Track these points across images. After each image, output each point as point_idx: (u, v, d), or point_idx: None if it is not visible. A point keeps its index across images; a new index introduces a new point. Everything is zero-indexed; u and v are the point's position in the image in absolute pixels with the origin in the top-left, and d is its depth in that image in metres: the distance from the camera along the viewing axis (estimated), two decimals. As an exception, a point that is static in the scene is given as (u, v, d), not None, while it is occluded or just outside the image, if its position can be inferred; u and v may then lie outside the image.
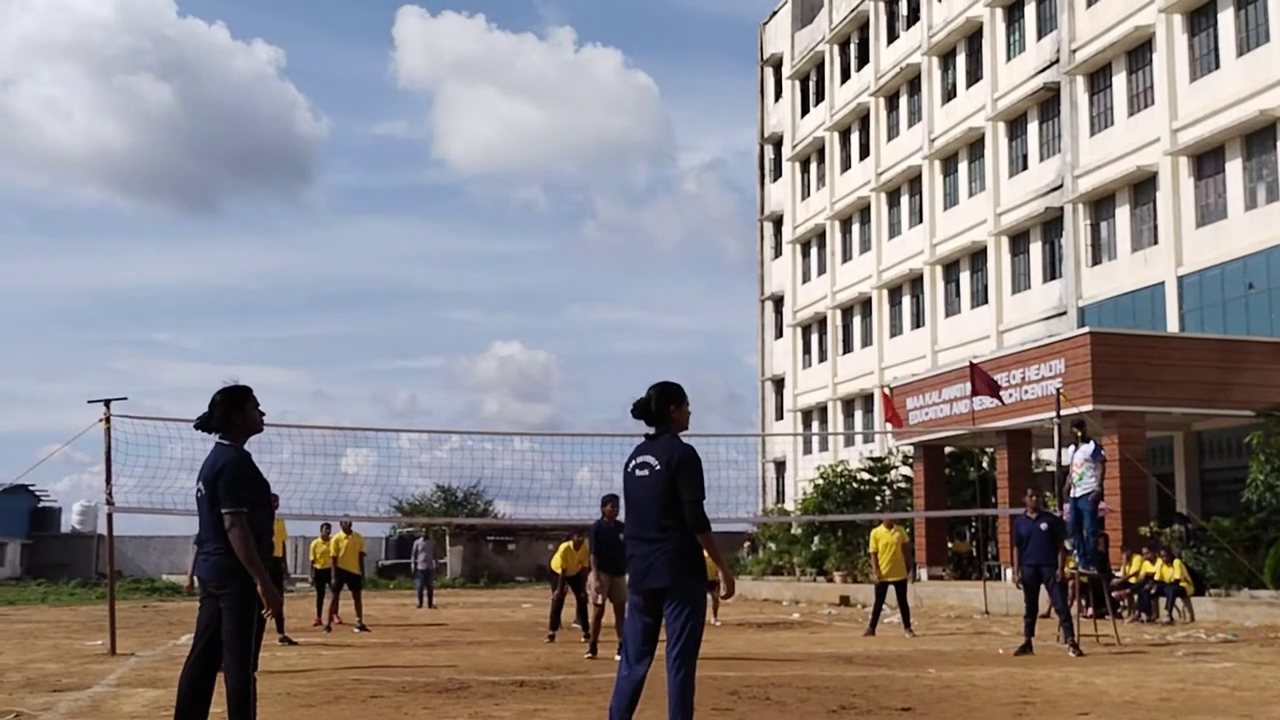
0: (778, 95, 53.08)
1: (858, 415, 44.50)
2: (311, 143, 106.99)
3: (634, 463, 6.45)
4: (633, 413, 6.51)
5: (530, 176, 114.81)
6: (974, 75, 37.91)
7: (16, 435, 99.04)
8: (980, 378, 21.58)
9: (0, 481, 23.36)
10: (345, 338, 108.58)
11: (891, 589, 17.44)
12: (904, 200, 42.01)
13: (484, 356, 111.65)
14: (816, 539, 34.41)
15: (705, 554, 6.37)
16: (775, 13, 53.35)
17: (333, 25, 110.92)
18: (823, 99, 48.25)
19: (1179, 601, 18.71)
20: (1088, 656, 13.19)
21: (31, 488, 53.81)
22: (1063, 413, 17.00)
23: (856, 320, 45.04)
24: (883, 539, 17.57)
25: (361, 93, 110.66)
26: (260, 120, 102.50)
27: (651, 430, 6.49)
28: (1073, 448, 18.17)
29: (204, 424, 6.47)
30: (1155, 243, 29.90)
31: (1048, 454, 27.33)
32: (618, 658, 6.46)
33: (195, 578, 6.56)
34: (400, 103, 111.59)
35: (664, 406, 6.45)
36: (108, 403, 14.20)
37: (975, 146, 37.71)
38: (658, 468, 6.31)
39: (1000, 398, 22.03)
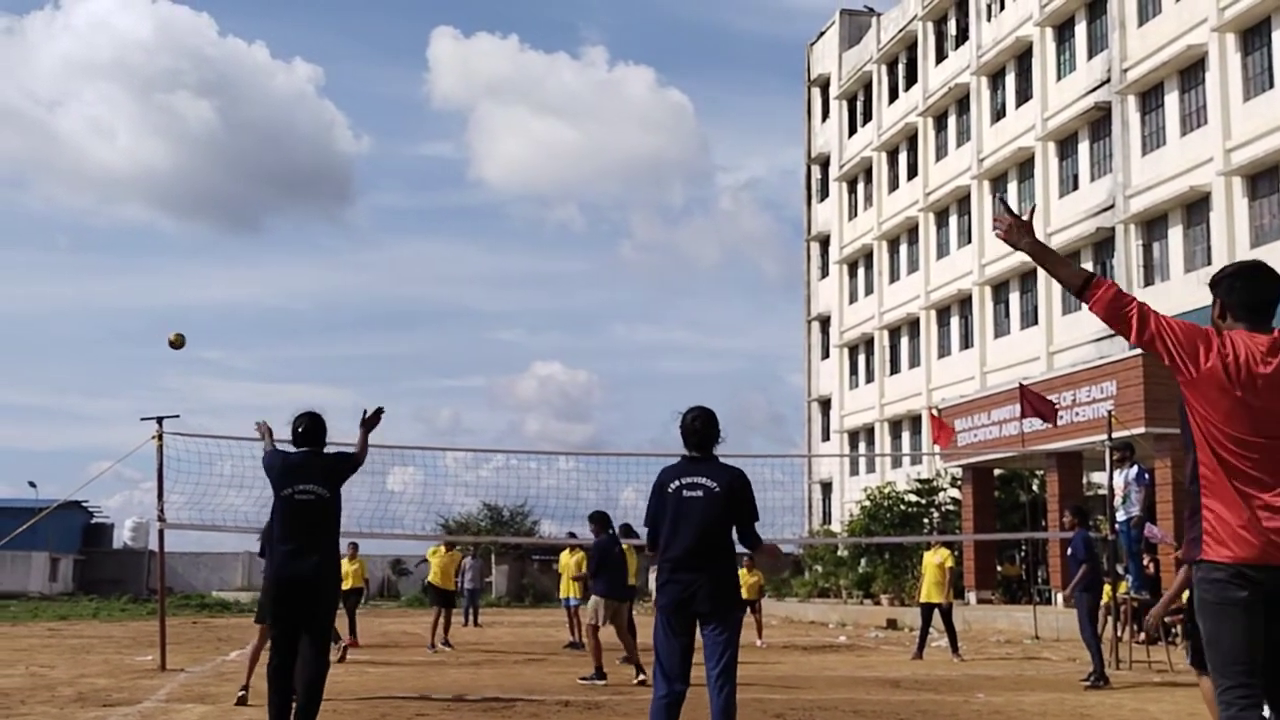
0: (825, 115, 53.03)
1: (905, 437, 44.20)
2: (352, 161, 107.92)
3: (680, 483, 6.40)
4: (687, 438, 6.55)
5: (566, 196, 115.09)
6: (1024, 95, 37.67)
7: (68, 451, 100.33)
8: (1032, 399, 21.35)
9: (54, 498, 23.71)
10: (389, 357, 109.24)
11: (936, 612, 17.29)
12: (952, 220, 41.77)
13: (525, 376, 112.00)
14: (863, 561, 34.17)
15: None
16: (823, 33, 53.36)
17: (370, 45, 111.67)
18: (870, 119, 48.13)
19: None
20: (1141, 683, 12.97)
21: (84, 504, 54.59)
22: (1114, 435, 16.80)
23: (904, 341, 44.77)
24: (924, 560, 17.52)
25: (400, 113, 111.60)
26: (301, 139, 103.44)
27: (689, 453, 6.54)
28: (1120, 471, 17.94)
29: (311, 439, 7.60)
30: (1209, 263, 29.49)
31: (1099, 477, 26.99)
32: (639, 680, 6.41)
33: (289, 581, 7.25)
34: (437, 123, 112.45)
35: (715, 431, 6.54)
36: (160, 420, 14.36)
37: (1025, 166, 37.44)
38: (716, 490, 6.33)
39: (1054, 420, 21.79)
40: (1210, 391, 4.06)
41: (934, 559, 17.23)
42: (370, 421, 7.94)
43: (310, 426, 7.59)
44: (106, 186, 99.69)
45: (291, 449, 7.65)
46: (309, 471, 7.35)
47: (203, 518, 15.60)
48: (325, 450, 7.61)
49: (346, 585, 19.95)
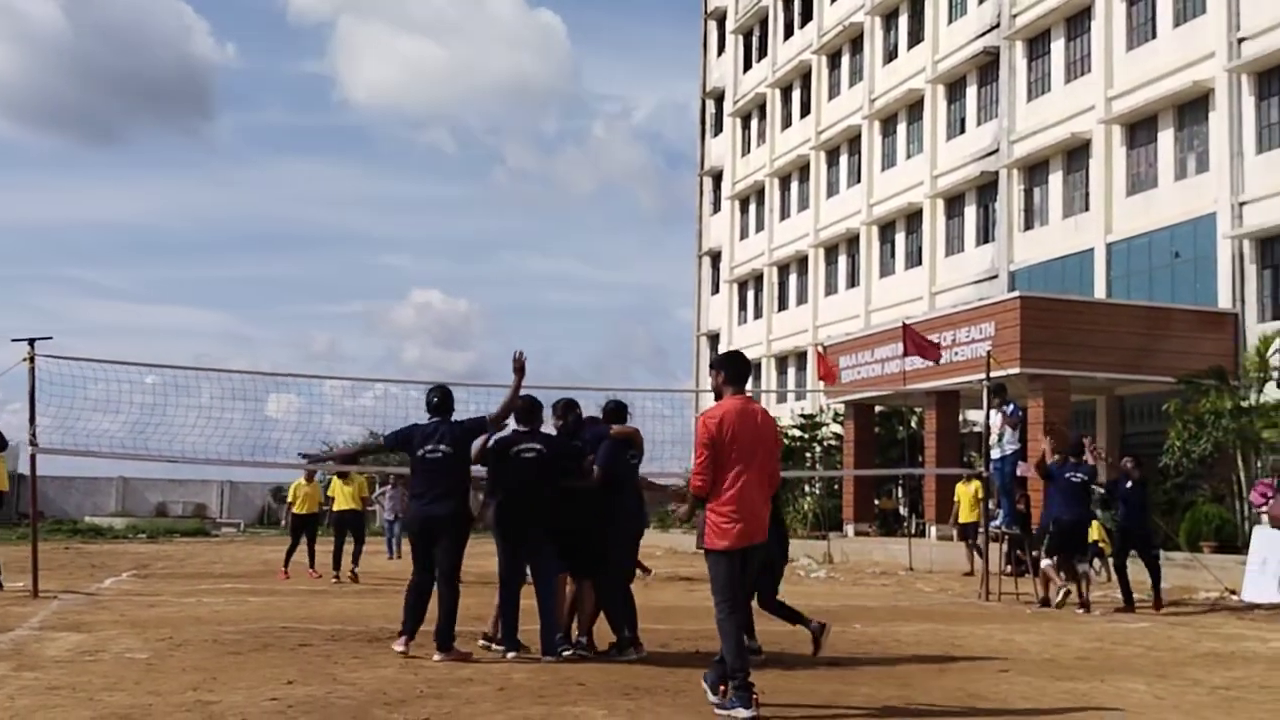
0: (720, 49, 52.88)
1: (791, 372, 44.84)
2: (215, 72, 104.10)
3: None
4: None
5: (435, 118, 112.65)
6: (915, 36, 38.00)
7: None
8: (916, 340, 21.75)
9: (-82, 419, 22.83)
10: (266, 279, 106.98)
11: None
12: (843, 160, 42.14)
13: (403, 304, 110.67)
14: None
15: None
16: (720, -34, 53.00)
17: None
18: (765, 55, 48.12)
19: (1096, 562, 19.14)
20: (1008, 614, 13.45)
21: (-52, 425, 52.73)
22: (991, 375, 17.27)
23: (793, 278, 45.24)
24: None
25: (260, 24, 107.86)
26: (157, 44, 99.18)
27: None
28: (995, 412, 18.51)
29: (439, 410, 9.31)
30: (1086, 209, 30.31)
31: (975, 414, 27.77)
32: None
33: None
34: (300, 38, 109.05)
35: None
36: (32, 341, 13.96)
37: (914, 108, 37.87)
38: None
39: (938, 359, 22.24)
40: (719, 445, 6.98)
41: None
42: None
43: (444, 400, 9.35)
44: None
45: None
46: (438, 436, 9.11)
47: (75, 442, 15.24)
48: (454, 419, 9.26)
49: (298, 511, 18.70)
